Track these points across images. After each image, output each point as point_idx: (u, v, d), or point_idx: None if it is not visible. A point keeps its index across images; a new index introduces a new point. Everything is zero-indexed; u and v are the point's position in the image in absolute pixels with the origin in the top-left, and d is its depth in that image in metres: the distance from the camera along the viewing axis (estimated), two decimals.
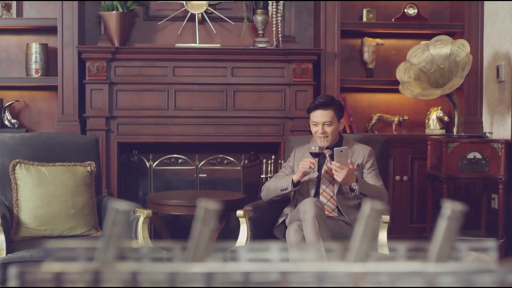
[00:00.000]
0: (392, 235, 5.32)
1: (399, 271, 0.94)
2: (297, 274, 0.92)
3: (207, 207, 0.95)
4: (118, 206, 0.94)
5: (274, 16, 5.34)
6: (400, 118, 5.62)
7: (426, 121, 5.62)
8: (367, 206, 0.99)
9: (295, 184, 4.12)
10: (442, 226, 1.00)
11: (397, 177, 5.44)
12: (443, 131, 5.50)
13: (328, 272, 0.93)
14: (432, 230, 5.13)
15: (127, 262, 0.95)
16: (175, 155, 5.45)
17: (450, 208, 1.00)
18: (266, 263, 0.95)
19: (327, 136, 4.14)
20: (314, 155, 4.05)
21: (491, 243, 1.07)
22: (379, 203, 0.99)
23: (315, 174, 4.10)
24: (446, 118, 5.54)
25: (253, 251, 1.06)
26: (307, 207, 3.84)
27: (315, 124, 4.15)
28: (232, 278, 0.91)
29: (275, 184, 4.23)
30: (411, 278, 0.94)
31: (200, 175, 5.41)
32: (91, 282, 0.90)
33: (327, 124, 4.13)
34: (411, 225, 5.47)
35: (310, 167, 3.99)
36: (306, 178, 4.13)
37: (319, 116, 4.14)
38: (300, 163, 4.09)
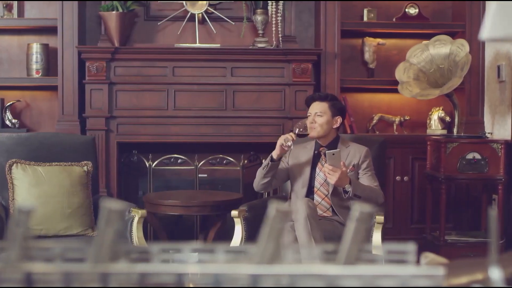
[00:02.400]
0: (392, 236, 5.31)
1: (300, 273, 0.93)
2: (195, 275, 0.91)
3: (110, 208, 0.95)
4: (21, 207, 0.94)
5: (273, 16, 5.33)
6: (401, 118, 5.59)
7: (428, 121, 5.58)
8: (272, 208, 0.98)
9: (274, 160, 4.12)
10: (350, 228, 0.99)
11: (398, 178, 5.41)
12: (444, 132, 5.46)
13: (228, 274, 0.92)
14: (432, 231, 5.10)
15: (30, 262, 0.95)
16: (175, 155, 5.46)
17: (358, 210, 0.98)
18: (163, 264, 0.94)
19: (315, 128, 4.16)
20: (300, 136, 4.09)
21: (411, 246, 1.06)
22: (284, 205, 0.98)
23: (291, 147, 4.06)
24: (447, 118, 5.49)
25: (167, 251, 1.06)
26: (299, 207, 3.84)
27: (309, 115, 4.19)
28: (129, 279, 0.91)
29: (260, 167, 4.26)
30: (313, 280, 0.93)
31: (200, 175, 5.41)
32: None
33: (318, 115, 4.17)
34: (412, 226, 5.44)
35: (287, 139, 4.00)
36: (299, 179, 4.11)
37: (314, 107, 4.22)
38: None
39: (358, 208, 0.98)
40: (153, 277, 0.91)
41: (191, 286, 0.90)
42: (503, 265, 1.51)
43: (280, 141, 4.05)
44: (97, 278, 0.90)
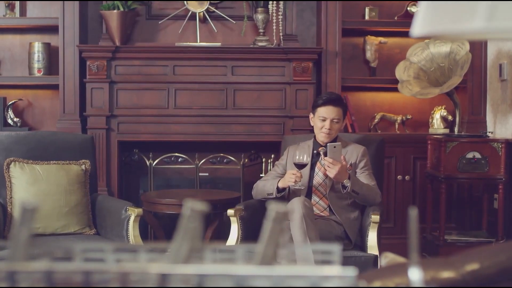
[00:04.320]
0: (394, 236, 5.29)
1: (210, 273, 0.92)
2: (100, 274, 0.91)
3: (25, 208, 0.95)
4: None
5: (274, 14, 5.32)
6: (403, 117, 5.56)
7: (430, 120, 5.54)
8: (187, 207, 0.97)
9: (280, 190, 4.11)
10: (266, 228, 0.98)
11: (399, 177, 5.38)
12: (446, 131, 5.42)
13: (135, 273, 0.91)
14: (433, 231, 5.07)
15: None
16: (176, 154, 5.47)
17: (274, 210, 0.98)
18: (72, 263, 0.94)
19: (331, 134, 4.14)
20: (298, 166, 4.02)
21: (335, 247, 1.05)
22: (199, 203, 0.97)
23: (301, 187, 4.07)
24: (450, 117, 5.45)
25: (90, 251, 1.05)
26: (295, 206, 3.82)
27: (323, 119, 4.13)
28: (35, 277, 0.90)
29: (263, 187, 4.22)
30: (222, 280, 0.92)
31: (201, 174, 5.41)
32: None
33: (335, 121, 4.14)
34: None
35: (296, 181, 3.97)
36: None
37: (330, 112, 4.13)
38: (286, 175, 4.07)
39: (273, 208, 0.97)
40: (62, 275, 0.91)
41: (97, 286, 0.90)
42: (458, 265, 1.49)
43: (289, 181, 4.01)
44: (5, 277, 0.90)
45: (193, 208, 0.96)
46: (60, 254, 1.04)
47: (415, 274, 0.97)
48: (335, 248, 1.04)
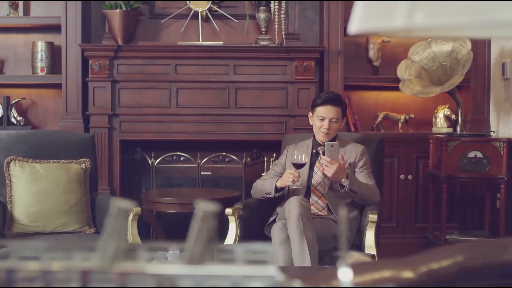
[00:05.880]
0: (396, 236, 5.27)
1: (132, 272, 0.92)
2: (24, 273, 0.91)
3: None
4: None
5: (276, 13, 5.32)
6: (407, 117, 5.53)
7: (433, 119, 5.51)
8: (114, 206, 0.97)
9: (279, 190, 4.10)
10: (194, 227, 0.98)
11: (402, 176, 5.35)
12: (450, 130, 5.39)
13: (59, 272, 0.92)
14: (435, 231, 5.04)
15: None
16: (178, 153, 5.47)
17: (201, 209, 0.97)
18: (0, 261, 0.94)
19: (330, 134, 4.13)
20: (296, 166, 4.01)
21: (269, 247, 1.04)
22: (125, 202, 0.97)
23: (299, 187, 4.06)
24: (453, 117, 5.42)
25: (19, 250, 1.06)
26: (292, 205, 3.82)
27: (321, 119, 4.12)
28: None
29: (262, 186, 4.22)
30: (144, 279, 0.92)
31: (204, 173, 5.41)
32: None
33: (334, 121, 4.12)
34: (416, 225, 5.38)
35: (294, 180, 3.97)
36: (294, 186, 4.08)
37: (328, 112, 4.11)
38: (284, 175, 4.07)
39: (201, 207, 0.97)
40: None
41: (20, 286, 0.90)
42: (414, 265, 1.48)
43: (287, 180, 4.01)
44: None
45: (119, 207, 0.96)
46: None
47: (345, 275, 0.96)
48: (269, 248, 1.03)
